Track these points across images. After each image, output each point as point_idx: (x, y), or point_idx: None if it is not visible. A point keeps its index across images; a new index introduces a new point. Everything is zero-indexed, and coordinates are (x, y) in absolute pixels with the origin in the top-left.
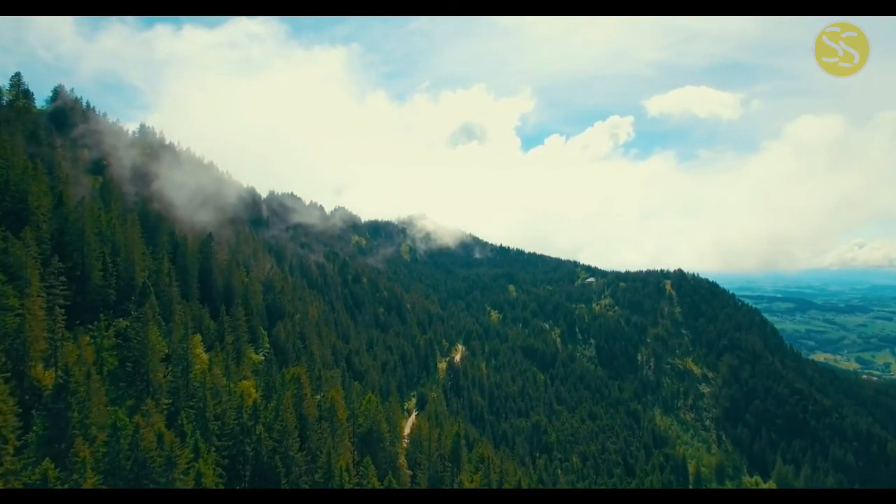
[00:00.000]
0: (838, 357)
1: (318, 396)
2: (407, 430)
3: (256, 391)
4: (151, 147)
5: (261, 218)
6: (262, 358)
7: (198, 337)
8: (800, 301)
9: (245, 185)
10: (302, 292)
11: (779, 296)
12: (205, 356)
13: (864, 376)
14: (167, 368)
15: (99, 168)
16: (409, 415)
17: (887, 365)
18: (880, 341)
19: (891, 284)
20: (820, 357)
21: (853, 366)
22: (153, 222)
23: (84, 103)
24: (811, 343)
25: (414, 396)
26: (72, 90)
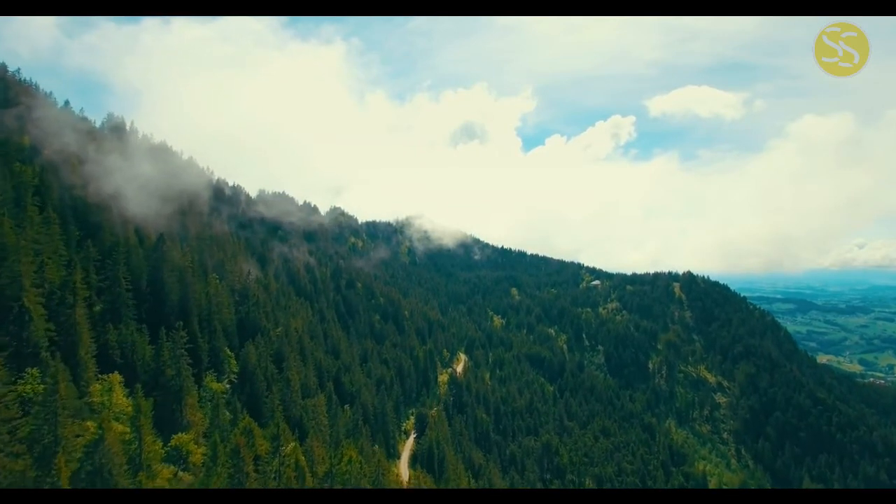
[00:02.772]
0: (841, 359)
1: (276, 461)
2: (405, 469)
3: (201, 447)
4: (106, 134)
5: (245, 218)
6: (227, 388)
7: (115, 377)
8: (800, 302)
9: (231, 183)
10: (287, 301)
11: (779, 296)
12: (124, 403)
13: (871, 379)
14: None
15: (35, 157)
16: (408, 437)
17: (890, 366)
18: (883, 342)
19: (891, 285)
20: (823, 359)
21: (857, 367)
22: (95, 222)
23: (34, 86)
24: (813, 345)
25: (412, 415)
26: (17, 70)
